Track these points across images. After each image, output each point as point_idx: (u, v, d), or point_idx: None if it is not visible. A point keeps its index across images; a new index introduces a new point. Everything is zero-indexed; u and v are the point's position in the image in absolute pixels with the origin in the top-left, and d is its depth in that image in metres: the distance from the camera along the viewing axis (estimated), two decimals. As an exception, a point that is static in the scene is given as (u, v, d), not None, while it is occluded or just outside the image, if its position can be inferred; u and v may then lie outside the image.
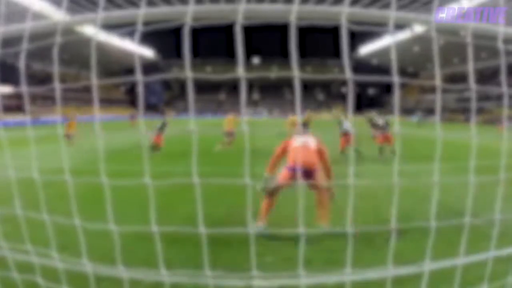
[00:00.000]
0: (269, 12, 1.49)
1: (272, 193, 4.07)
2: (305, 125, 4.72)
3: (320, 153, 4.25)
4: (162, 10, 1.54)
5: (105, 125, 29.69)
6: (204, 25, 1.63)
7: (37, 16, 31.39)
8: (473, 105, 1.83)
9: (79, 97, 45.28)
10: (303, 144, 4.23)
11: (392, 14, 1.43)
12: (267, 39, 61.00)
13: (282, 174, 4.12)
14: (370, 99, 62.95)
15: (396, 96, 1.88)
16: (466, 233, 1.75)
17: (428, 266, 1.77)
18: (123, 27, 1.67)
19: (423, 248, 1.76)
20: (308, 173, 4.01)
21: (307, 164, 4.06)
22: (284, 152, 4.32)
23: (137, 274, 2.01)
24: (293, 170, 4.03)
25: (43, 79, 43.59)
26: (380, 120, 10.62)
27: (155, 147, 11.41)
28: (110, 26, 1.80)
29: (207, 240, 1.60)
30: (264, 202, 4.07)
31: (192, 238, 3.44)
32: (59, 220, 1.68)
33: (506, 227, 3.52)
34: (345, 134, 9.72)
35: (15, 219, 1.99)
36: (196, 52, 60.03)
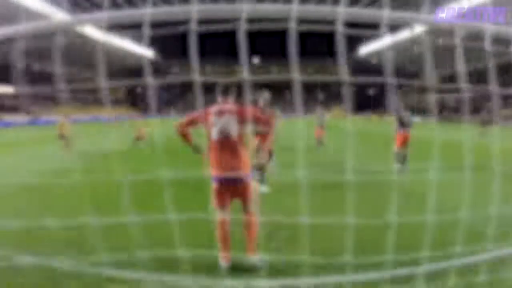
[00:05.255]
0: (269, 12, 1.49)
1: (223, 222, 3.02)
2: (225, 90, 3.03)
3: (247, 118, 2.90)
4: (164, 10, 1.54)
5: (106, 125, 29.69)
6: (208, 29, 1.63)
7: (37, 16, 31.37)
8: (466, 106, 1.83)
9: (80, 97, 45.22)
10: (221, 135, 2.93)
11: (390, 14, 1.43)
12: (267, 39, 60.97)
13: (213, 189, 3.02)
14: (371, 99, 62.94)
15: (393, 96, 1.88)
16: (461, 233, 1.75)
17: (424, 267, 1.78)
18: (124, 28, 1.67)
19: (420, 247, 1.76)
20: (235, 181, 2.97)
21: (232, 172, 2.93)
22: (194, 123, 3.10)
23: (140, 275, 2.02)
24: (220, 182, 2.97)
25: (43, 78, 43.58)
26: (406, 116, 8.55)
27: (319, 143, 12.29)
28: (110, 27, 1.81)
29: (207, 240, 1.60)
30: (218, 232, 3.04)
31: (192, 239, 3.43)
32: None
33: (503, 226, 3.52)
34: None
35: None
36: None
